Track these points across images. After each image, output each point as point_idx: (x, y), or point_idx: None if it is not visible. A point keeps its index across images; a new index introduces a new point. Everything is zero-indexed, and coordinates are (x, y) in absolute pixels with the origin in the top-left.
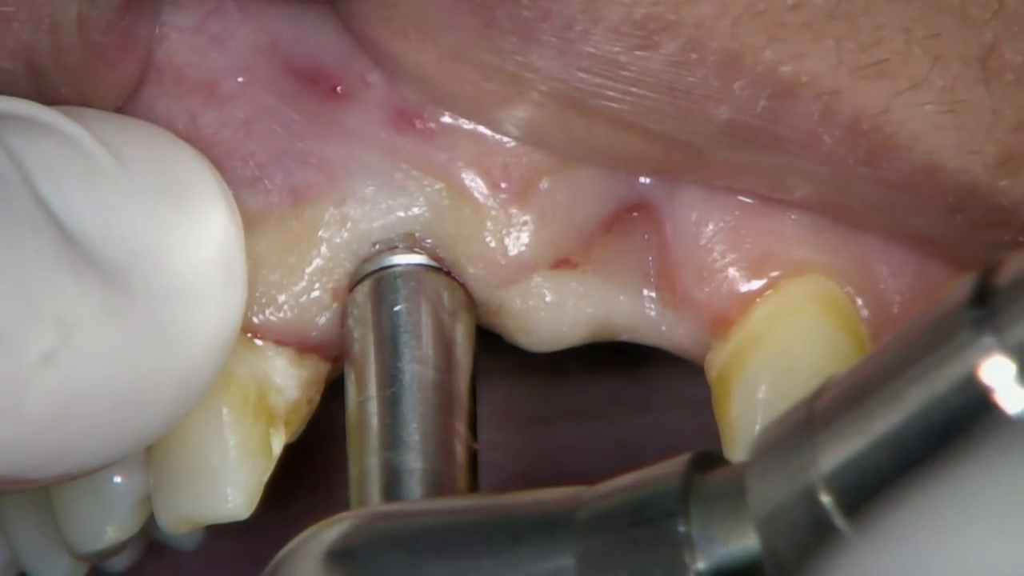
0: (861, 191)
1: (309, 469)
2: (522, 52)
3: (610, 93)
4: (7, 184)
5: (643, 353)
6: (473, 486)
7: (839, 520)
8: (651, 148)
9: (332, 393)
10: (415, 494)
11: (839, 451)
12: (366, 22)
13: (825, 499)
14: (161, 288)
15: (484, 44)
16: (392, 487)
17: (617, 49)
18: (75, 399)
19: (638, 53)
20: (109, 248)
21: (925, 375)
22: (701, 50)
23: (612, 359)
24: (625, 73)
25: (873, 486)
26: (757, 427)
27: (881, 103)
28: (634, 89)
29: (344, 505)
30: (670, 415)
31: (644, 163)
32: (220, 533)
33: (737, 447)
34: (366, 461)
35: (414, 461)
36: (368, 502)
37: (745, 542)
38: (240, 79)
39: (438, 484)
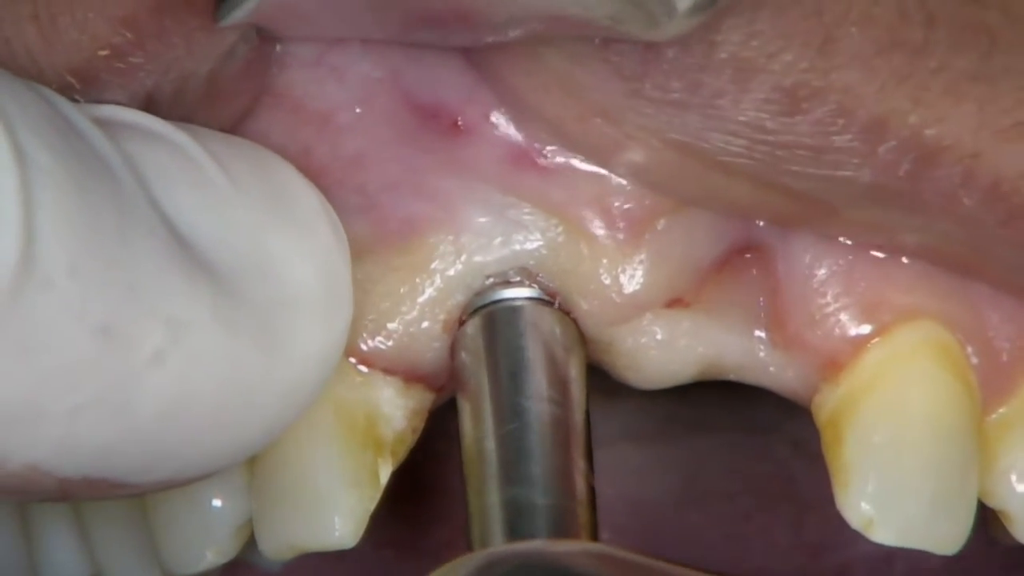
0: (997, 251)
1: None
2: (669, 116)
3: (755, 155)
4: (123, 185)
5: None
6: (594, 521)
7: None
8: (790, 204)
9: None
10: (539, 531)
11: None
12: (508, 73)
13: None
14: (268, 297)
15: (630, 107)
16: (516, 524)
17: (764, 115)
18: (181, 402)
19: (785, 120)
20: (218, 254)
21: None
22: (848, 116)
23: None
24: (771, 137)
25: None
26: (871, 472)
27: (1021, 165)
28: (779, 152)
29: (429, 532)
30: (730, 436)
31: (780, 217)
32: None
33: (851, 490)
34: (487, 498)
35: (537, 497)
36: (491, 539)
37: None
38: (358, 110)
39: (561, 520)
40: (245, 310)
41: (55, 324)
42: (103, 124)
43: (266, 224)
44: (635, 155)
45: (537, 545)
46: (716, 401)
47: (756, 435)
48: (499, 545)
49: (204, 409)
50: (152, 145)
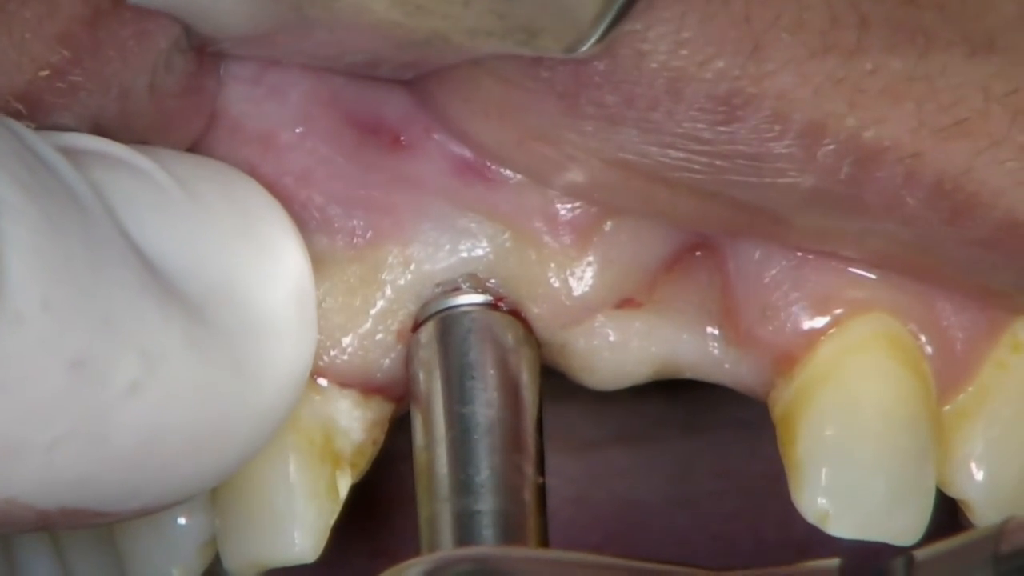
0: (944, 250)
1: (363, 507)
2: (606, 133)
3: (695, 166)
4: (92, 216)
5: None
6: (543, 525)
7: None
8: (736, 215)
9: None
10: (486, 537)
11: None
12: (446, 101)
13: None
14: (239, 322)
15: (568, 125)
16: (464, 531)
17: (701, 125)
18: (157, 432)
19: (722, 128)
20: (188, 281)
21: None
22: (784, 121)
23: (657, 380)
24: (709, 148)
25: None
26: (824, 466)
27: (963, 163)
28: (718, 162)
29: (399, 542)
30: (719, 436)
31: (729, 228)
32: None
33: (805, 485)
34: (435, 505)
35: (483, 504)
36: (439, 546)
37: None
38: (299, 129)
39: (508, 526)
40: (217, 337)
41: (29, 359)
42: (68, 152)
43: (234, 248)
44: (576, 175)
45: (482, 551)
46: (706, 401)
47: (745, 434)
48: (447, 551)
49: (180, 437)
50: (117, 172)
